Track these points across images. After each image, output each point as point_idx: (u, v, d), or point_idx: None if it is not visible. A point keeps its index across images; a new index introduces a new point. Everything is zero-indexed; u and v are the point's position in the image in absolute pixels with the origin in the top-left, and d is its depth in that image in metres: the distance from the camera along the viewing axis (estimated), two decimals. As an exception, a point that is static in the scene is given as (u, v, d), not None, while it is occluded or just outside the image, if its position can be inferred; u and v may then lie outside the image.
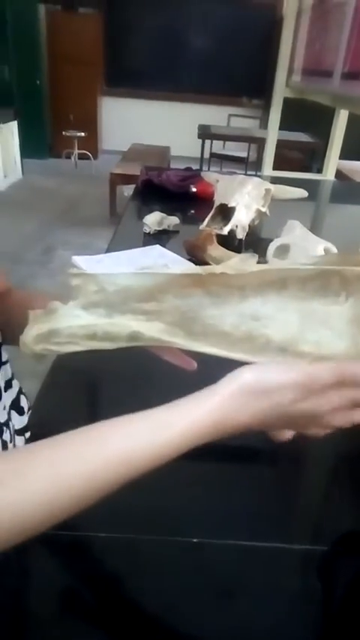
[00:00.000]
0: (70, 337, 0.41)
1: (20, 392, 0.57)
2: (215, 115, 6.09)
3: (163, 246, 1.25)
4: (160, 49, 6.09)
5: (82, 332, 0.41)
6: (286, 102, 2.25)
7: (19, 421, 0.55)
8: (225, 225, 1.24)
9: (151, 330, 0.41)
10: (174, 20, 5.93)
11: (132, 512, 0.48)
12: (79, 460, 0.32)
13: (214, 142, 4.84)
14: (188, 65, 6.18)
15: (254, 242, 1.30)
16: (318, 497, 0.58)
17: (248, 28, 5.91)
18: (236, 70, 6.15)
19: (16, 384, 0.56)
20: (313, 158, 4.74)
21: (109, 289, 0.40)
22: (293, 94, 2.21)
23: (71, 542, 0.47)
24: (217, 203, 1.30)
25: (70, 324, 0.41)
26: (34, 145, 5.53)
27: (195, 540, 0.47)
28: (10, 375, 0.54)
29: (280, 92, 2.23)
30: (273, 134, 2.38)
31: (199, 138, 4.54)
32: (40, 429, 0.58)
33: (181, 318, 0.41)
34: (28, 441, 0.56)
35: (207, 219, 1.27)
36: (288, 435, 0.38)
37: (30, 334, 0.41)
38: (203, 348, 0.40)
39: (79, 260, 1.10)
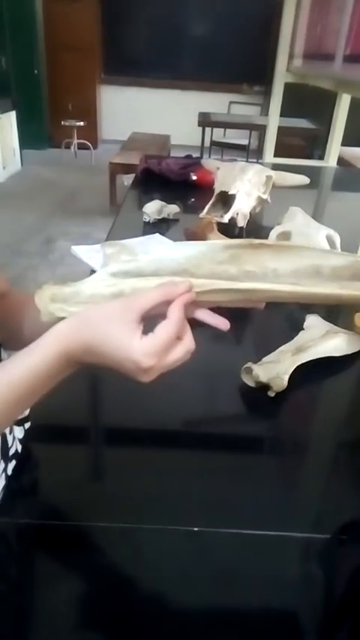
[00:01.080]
0: (93, 297, 0.41)
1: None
2: (215, 102, 6.02)
3: (163, 234, 1.24)
4: (159, 36, 6.00)
5: (108, 291, 0.40)
6: (287, 88, 2.21)
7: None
8: (225, 212, 1.22)
9: (196, 271, 0.40)
10: (172, 6, 5.83)
11: (131, 501, 0.48)
12: None
13: (214, 129, 4.79)
14: (187, 52, 6.09)
15: (255, 229, 1.29)
16: (319, 486, 0.57)
17: (248, 13, 5.81)
18: (236, 56, 6.06)
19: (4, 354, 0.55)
20: (314, 145, 4.69)
21: (142, 259, 0.40)
22: (294, 79, 2.17)
23: (71, 532, 0.47)
24: (217, 191, 1.29)
25: (97, 284, 0.41)
26: (33, 136, 5.49)
27: (195, 529, 0.47)
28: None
29: (280, 77, 2.19)
30: (274, 121, 2.35)
31: (199, 126, 4.50)
32: (41, 418, 0.58)
33: (222, 268, 0.41)
34: (27, 431, 0.56)
35: (207, 207, 1.25)
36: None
37: (47, 292, 0.40)
38: (248, 285, 0.40)
39: (78, 250, 1.09)
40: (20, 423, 0.55)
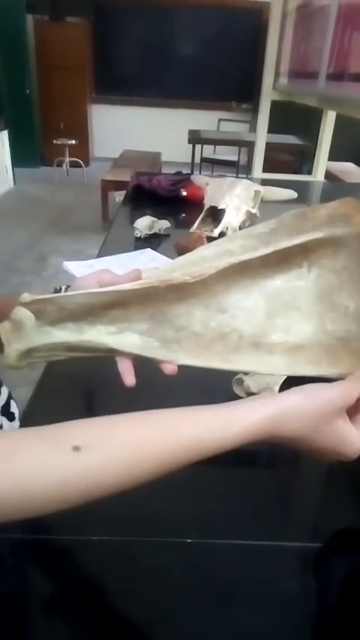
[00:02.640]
0: (51, 351, 0.41)
1: (10, 397, 0.57)
2: (205, 120, 6.12)
3: (155, 249, 1.25)
4: (149, 56, 6.12)
5: (60, 347, 0.41)
6: (275, 105, 2.27)
7: (9, 427, 0.54)
8: (215, 227, 1.24)
9: (126, 344, 0.40)
10: (161, 27, 5.96)
11: (125, 514, 0.48)
12: (157, 437, 0.36)
13: (204, 146, 4.86)
14: (177, 71, 6.21)
15: (245, 243, 1.31)
16: (312, 495, 0.58)
17: (235, 33, 5.96)
18: (225, 75, 6.19)
19: (4, 390, 0.56)
20: (302, 160, 4.77)
21: (69, 307, 0.40)
22: (281, 97, 2.22)
23: (65, 546, 0.47)
24: (207, 206, 1.31)
25: (45, 341, 0.40)
26: (25, 154, 5.54)
27: (189, 541, 0.47)
28: (-2, 382, 0.54)
29: (267, 95, 2.25)
30: (262, 137, 2.39)
31: (189, 143, 4.56)
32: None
33: (151, 323, 0.40)
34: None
35: (197, 222, 1.27)
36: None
37: (11, 355, 0.41)
38: (182, 360, 0.40)
39: (70, 265, 1.10)
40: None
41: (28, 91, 5.70)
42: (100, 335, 0.40)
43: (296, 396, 0.38)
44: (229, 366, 0.40)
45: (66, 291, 0.48)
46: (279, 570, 0.47)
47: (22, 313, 0.40)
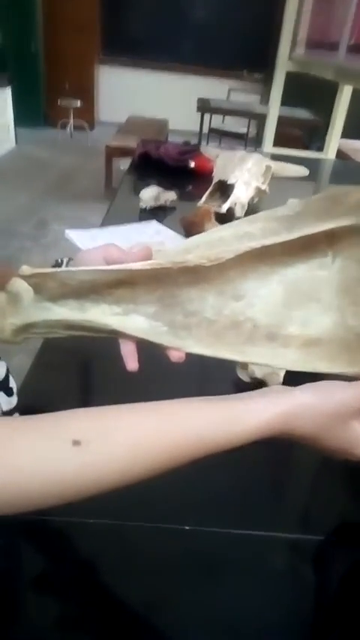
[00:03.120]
0: (49, 328, 0.39)
1: (8, 372, 0.55)
2: (215, 88, 5.93)
3: (160, 222, 1.21)
4: (160, 19, 5.88)
5: (59, 325, 0.38)
6: (287, 77, 2.18)
7: (6, 402, 0.53)
8: (224, 202, 1.21)
9: (131, 326, 0.38)
10: (175, -13, 5.71)
11: (122, 498, 0.47)
12: (160, 432, 0.34)
13: (213, 116, 4.72)
14: (188, 36, 5.98)
15: (253, 221, 1.27)
16: (313, 486, 0.57)
17: (251, -1, 5.71)
18: (237, 42, 5.96)
19: (2, 364, 0.54)
20: (313, 136, 4.65)
21: (71, 284, 0.37)
22: (296, 68, 2.13)
23: (60, 528, 0.46)
24: (216, 179, 1.27)
25: (44, 317, 0.37)
26: (28, 114, 5.37)
27: (187, 528, 0.46)
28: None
29: (282, 66, 2.16)
30: (274, 110, 2.32)
31: (198, 111, 4.43)
32: (29, 410, 0.57)
33: (159, 306, 0.38)
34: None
35: (205, 196, 1.23)
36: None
37: (7, 329, 0.38)
38: (191, 348, 0.38)
39: (72, 234, 1.06)
40: (9, 413, 0.54)
41: (33, 48, 5.49)
42: (103, 315, 0.38)
43: (310, 394, 0.36)
44: (241, 357, 0.38)
45: (68, 264, 0.45)
46: (276, 561, 0.47)
47: (20, 285, 0.37)
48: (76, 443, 0.31)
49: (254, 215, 0.40)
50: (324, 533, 0.49)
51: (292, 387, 0.37)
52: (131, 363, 0.40)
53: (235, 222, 0.41)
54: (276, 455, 0.59)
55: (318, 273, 0.38)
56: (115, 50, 6.03)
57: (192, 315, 0.38)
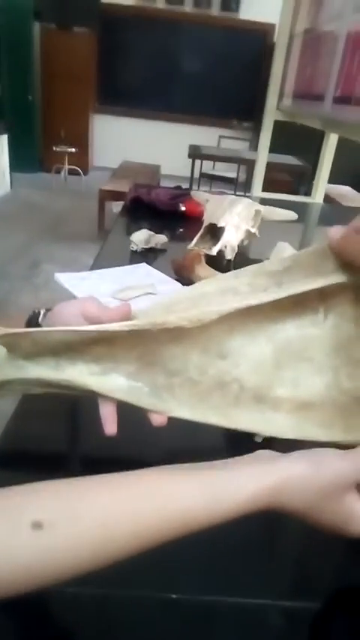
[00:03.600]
0: (25, 385, 0.37)
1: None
2: (206, 135, 6.16)
3: (150, 264, 1.21)
4: (153, 70, 6.17)
5: (35, 383, 0.36)
6: (275, 125, 2.26)
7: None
8: (214, 245, 1.21)
9: (110, 387, 0.35)
10: (167, 42, 6.03)
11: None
12: (134, 513, 0.30)
13: (204, 162, 4.87)
14: (180, 86, 6.27)
15: (243, 262, 1.27)
16: (308, 547, 0.53)
17: (239, 52, 6.04)
18: (227, 92, 6.25)
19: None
20: (300, 181, 4.79)
21: (46, 343, 0.35)
22: (284, 117, 2.22)
23: (35, 598, 0.42)
24: (206, 222, 1.28)
25: (19, 376, 0.35)
26: (24, 159, 5.51)
27: (174, 596, 0.42)
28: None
29: (270, 115, 2.24)
30: (263, 156, 2.38)
31: (189, 157, 4.57)
32: (10, 459, 0.53)
33: (139, 365, 0.35)
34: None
35: (196, 239, 1.24)
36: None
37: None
38: (174, 411, 0.35)
39: (61, 277, 1.05)
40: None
41: (30, 97, 5.70)
42: (81, 375, 0.35)
43: (301, 464, 0.33)
44: (227, 422, 0.36)
45: (45, 314, 0.43)
46: (272, 632, 0.43)
47: None
48: (37, 526, 0.27)
49: (241, 269, 0.38)
50: (321, 599, 0.45)
51: (282, 455, 0.35)
52: (110, 426, 0.37)
53: (221, 276, 0.39)
54: (268, 514, 0.55)
55: (309, 331, 0.36)
56: (109, 99, 6.28)
57: (174, 375, 0.36)
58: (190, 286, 0.39)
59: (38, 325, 0.42)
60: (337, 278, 0.34)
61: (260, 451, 0.36)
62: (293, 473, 0.33)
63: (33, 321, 0.43)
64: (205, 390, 0.35)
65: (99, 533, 0.29)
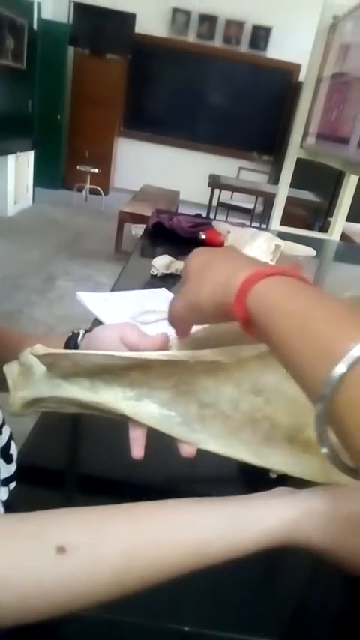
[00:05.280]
0: (59, 403, 0.38)
1: (10, 438, 0.53)
2: (226, 166, 6.29)
3: (169, 289, 1.23)
4: (179, 100, 6.36)
5: (69, 402, 0.37)
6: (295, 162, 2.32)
7: (6, 470, 0.50)
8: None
9: (143, 414, 0.36)
10: (194, 74, 6.22)
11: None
12: (153, 544, 0.30)
13: (222, 191, 4.96)
14: (204, 117, 6.44)
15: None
16: (327, 592, 0.53)
17: (264, 88, 6.21)
18: (249, 126, 6.41)
19: (6, 430, 0.52)
20: (316, 217, 4.86)
21: (85, 365, 0.36)
22: (306, 156, 2.27)
23: (45, 626, 0.42)
24: (226, 253, 1.30)
25: (55, 394, 0.36)
26: (48, 176, 5.65)
27: (186, 629, 0.42)
28: (0, 422, 0.51)
29: (294, 153, 2.29)
30: (283, 191, 2.43)
31: (209, 186, 4.66)
32: (26, 479, 0.54)
33: (173, 393, 0.36)
34: (11, 492, 0.52)
35: (216, 268, 1.26)
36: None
37: (17, 403, 0.37)
38: (204, 444, 0.36)
39: (84, 296, 1.07)
40: (6, 482, 0.51)
41: (59, 117, 5.88)
42: (115, 398, 0.36)
43: (322, 499, 0.32)
44: (258, 460, 0.36)
45: (84, 336, 0.45)
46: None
47: (32, 359, 0.37)
48: (60, 550, 0.28)
49: None
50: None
51: (301, 490, 0.34)
52: (137, 450, 0.38)
53: None
54: (286, 556, 0.55)
55: None
56: (134, 124, 6.46)
57: (207, 407, 0.36)
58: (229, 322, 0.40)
59: (77, 346, 0.43)
60: None
61: (279, 488, 0.36)
62: (314, 507, 0.32)
63: (72, 342, 0.44)
64: (237, 424, 0.36)
65: (119, 563, 0.29)
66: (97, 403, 0.37)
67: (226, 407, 0.36)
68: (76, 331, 0.45)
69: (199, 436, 0.36)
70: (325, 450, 0.25)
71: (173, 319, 0.36)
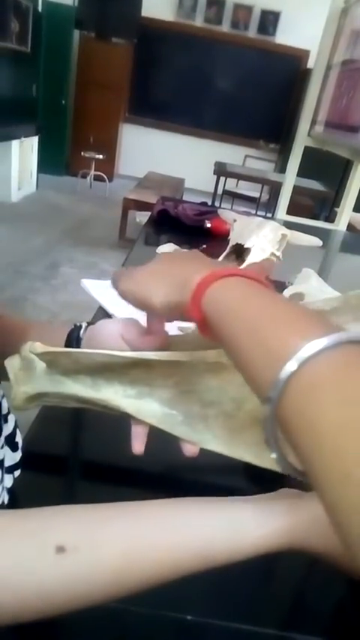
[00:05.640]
0: (62, 398, 0.37)
1: (16, 426, 0.53)
2: (232, 153, 6.22)
3: (174, 279, 1.23)
4: (185, 86, 6.27)
5: (71, 399, 0.37)
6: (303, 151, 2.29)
7: (11, 458, 0.51)
8: (239, 265, 1.22)
9: (145, 412, 0.36)
10: (201, 59, 6.13)
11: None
12: (153, 544, 0.30)
13: (228, 179, 4.92)
14: (210, 103, 6.35)
15: (266, 285, 1.28)
16: (328, 585, 0.53)
17: (272, 75, 6.12)
18: (256, 113, 6.33)
19: (12, 418, 0.52)
20: (322, 206, 4.82)
21: (86, 363, 0.36)
22: (314, 144, 2.24)
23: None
24: (232, 242, 1.29)
25: (56, 390, 0.36)
26: (52, 162, 5.61)
27: (189, 617, 0.43)
28: (6, 410, 0.51)
29: (301, 141, 2.26)
30: (290, 180, 2.40)
31: (214, 174, 4.62)
32: (30, 467, 0.54)
33: (175, 392, 0.36)
34: (16, 480, 0.52)
35: (221, 257, 1.25)
36: None
37: (19, 398, 0.37)
38: (207, 444, 0.35)
39: (88, 284, 1.07)
40: (10, 470, 0.51)
41: (64, 102, 5.82)
42: (116, 396, 0.36)
43: None
44: (260, 462, 0.35)
45: (86, 329, 0.44)
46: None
47: (33, 356, 0.36)
48: (60, 549, 0.27)
49: None
50: (334, 635, 0.45)
51: (305, 494, 0.34)
52: (138, 446, 0.38)
53: None
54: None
55: None
56: (140, 110, 6.39)
57: (210, 406, 0.35)
58: None
59: (79, 339, 0.43)
60: None
61: (284, 489, 0.35)
62: (318, 512, 0.31)
63: (74, 334, 0.44)
64: (240, 425, 0.35)
65: (119, 563, 0.29)
66: (99, 400, 0.36)
67: (230, 406, 0.35)
68: (78, 324, 0.44)
69: (202, 436, 0.36)
70: (273, 455, 0.25)
71: (117, 292, 0.37)
